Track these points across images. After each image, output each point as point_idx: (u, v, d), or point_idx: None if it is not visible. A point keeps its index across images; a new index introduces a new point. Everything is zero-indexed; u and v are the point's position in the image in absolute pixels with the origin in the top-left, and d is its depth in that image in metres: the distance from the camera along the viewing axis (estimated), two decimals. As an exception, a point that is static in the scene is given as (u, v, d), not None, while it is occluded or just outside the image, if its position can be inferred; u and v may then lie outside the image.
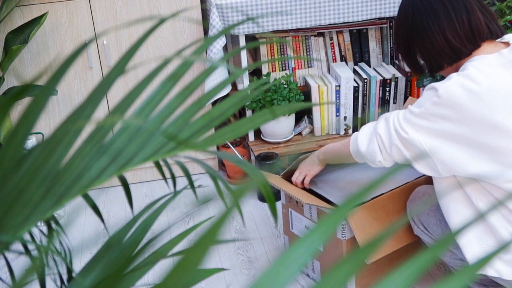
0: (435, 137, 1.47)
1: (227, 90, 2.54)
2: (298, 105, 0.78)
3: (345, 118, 2.74)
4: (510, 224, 1.49)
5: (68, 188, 0.66)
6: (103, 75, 2.51)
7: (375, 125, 1.60)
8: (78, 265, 0.70)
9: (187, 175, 0.81)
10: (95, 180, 0.67)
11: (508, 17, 2.36)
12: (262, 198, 2.59)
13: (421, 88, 2.68)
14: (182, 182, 2.57)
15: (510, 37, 1.54)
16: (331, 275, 0.45)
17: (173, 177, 0.83)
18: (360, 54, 2.83)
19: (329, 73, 2.79)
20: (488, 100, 1.41)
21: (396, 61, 2.82)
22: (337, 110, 2.72)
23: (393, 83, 2.71)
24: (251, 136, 2.76)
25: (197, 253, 0.45)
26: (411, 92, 2.75)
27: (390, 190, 1.87)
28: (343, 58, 2.81)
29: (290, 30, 2.69)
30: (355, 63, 2.83)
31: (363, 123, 2.77)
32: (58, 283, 0.81)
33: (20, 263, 1.99)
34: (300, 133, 2.77)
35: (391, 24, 2.79)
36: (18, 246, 0.82)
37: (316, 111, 2.71)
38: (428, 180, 1.82)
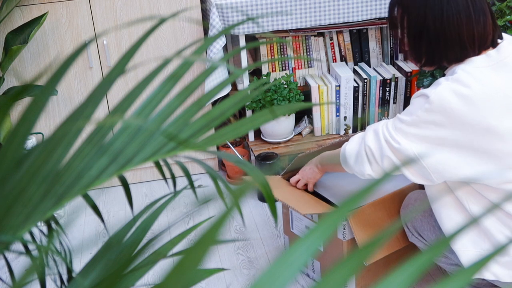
0: (428, 144, 1.46)
1: (227, 90, 2.54)
2: (298, 105, 0.78)
3: (345, 118, 2.74)
4: (505, 227, 1.49)
5: (68, 188, 0.66)
6: (103, 75, 2.51)
7: (363, 137, 1.59)
8: (78, 265, 0.69)
9: (187, 175, 0.81)
10: (95, 180, 0.67)
11: (508, 17, 2.36)
12: (262, 198, 2.59)
13: (421, 88, 2.68)
14: (182, 182, 2.57)
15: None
16: (331, 275, 0.45)
17: (173, 177, 0.83)
18: (360, 54, 2.83)
19: (329, 73, 2.79)
20: (480, 103, 1.40)
21: (396, 61, 2.82)
22: (337, 110, 2.72)
23: (393, 83, 2.71)
24: (251, 136, 2.76)
25: (197, 253, 0.45)
26: (411, 92, 2.75)
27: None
28: (343, 58, 2.81)
29: (290, 30, 2.69)
30: (355, 63, 2.83)
31: (363, 123, 2.77)
32: (58, 283, 0.81)
33: (20, 263, 1.99)
34: (300, 133, 2.77)
35: (391, 24, 2.79)
36: (18, 246, 0.82)
37: (316, 111, 2.71)
38: (421, 185, 1.82)
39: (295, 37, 2.72)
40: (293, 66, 2.77)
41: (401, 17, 1.57)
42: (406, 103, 2.77)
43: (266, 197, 0.70)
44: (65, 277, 0.81)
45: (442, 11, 1.49)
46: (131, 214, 0.84)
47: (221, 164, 2.90)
